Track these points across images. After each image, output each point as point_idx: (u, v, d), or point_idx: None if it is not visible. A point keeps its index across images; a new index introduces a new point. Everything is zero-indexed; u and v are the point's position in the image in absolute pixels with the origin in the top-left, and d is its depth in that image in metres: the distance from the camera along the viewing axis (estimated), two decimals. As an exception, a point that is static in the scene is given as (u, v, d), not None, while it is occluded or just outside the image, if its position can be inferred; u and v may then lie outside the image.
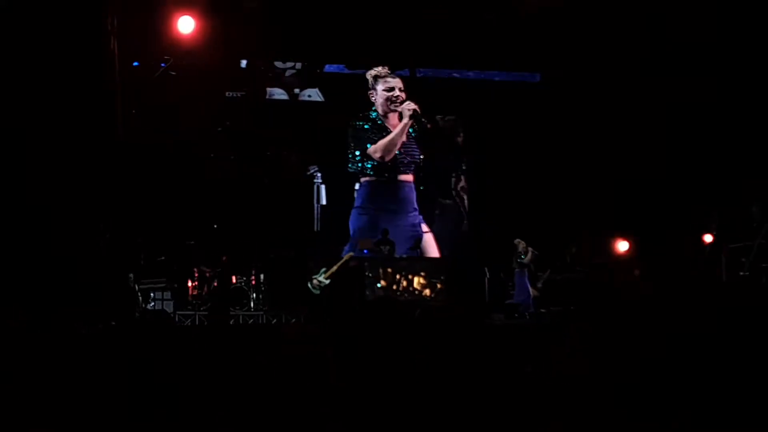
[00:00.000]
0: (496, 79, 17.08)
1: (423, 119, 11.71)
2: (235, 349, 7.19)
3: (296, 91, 16.83)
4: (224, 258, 13.47)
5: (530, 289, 14.05)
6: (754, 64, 14.66)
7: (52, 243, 11.22)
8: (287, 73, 16.72)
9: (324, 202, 14.49)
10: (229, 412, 5.75)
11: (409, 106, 11.80)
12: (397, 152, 12.03)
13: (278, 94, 16.79)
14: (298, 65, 16.69)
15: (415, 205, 12.33)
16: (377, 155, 11.64)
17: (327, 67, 16.70)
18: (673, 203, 14.97)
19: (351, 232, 12.40)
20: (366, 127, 12.35)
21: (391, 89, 12.38)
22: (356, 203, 12.41)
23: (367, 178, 12.14)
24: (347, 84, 15.95)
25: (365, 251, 12.91)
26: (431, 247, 12.60)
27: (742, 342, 5.58)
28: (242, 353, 7.05)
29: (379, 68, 12.37)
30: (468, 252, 13.76)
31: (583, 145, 15.98)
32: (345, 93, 15.48)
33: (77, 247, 11.36)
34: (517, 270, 14.10)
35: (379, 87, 12.16)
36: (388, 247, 13.06)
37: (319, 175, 14.48)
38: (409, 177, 12.10)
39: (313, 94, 16.83)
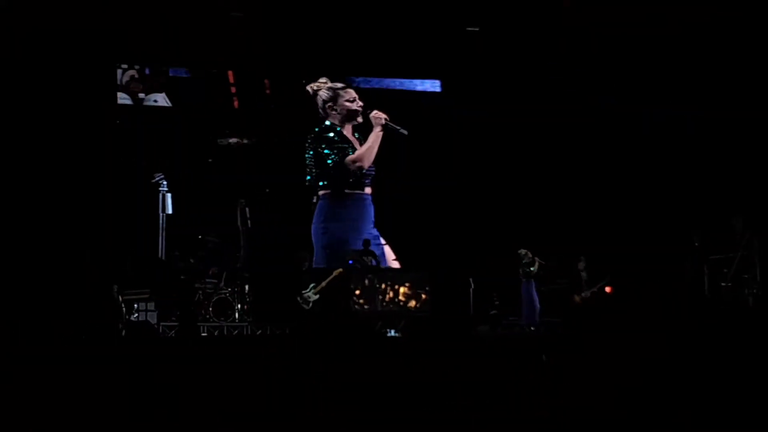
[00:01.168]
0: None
1: (397, 126, 11.71)
2: (219, 360, 7.17)
3: (140, 95, 15.79)
4: (212, 271, 13.41)
5: (536, 301, 14.03)
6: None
7: (39, 255, 11.17)
8: (124, 77, 15.62)
9: (170, 211, 13.92)
10: (213, 421, 5.74)
11: (378, 115, 11.78)
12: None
13: (121, 98, 15.61)
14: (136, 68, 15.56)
15: (373, 218, 12.32)
16: (357, 164, 11.60)
17: (171, 71, 15.71)
18: (657, 216, 15.02)
19: (315, 246, 12.37)
20: (336, 138, 12.32)
21: (354, 99, 12.38)
22: (318, 217, 12.34)
23: (327, 191, 12.10)
24: (195, 89, 15.43)
25: (350, 262, 12.89)
26: (391, 259, 12.60)
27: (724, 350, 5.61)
28: (225, 363, 7.02)
29: (324, 80, 12.35)
30: (453, 263, 13.79)
31: (568, 158, 16.01)
32: (193, 98, 15.24)
33: (62, 259, 11.31)
34: (523, 280, 14.10)
35: (341, 99, 12.14)
36: (372, 258, 13.05)
37: (164, 183, 13.93)
38: (367, 189, 12.09)
39: (160, 99, 15.82)
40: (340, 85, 12.15)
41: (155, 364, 5.84)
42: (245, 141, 14.50)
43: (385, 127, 11.65)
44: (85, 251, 11.51)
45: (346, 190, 12.00)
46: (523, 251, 14.17)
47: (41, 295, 10.45)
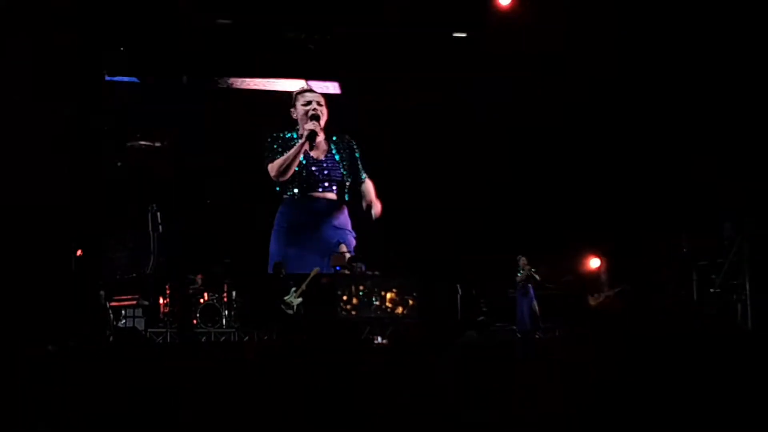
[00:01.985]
0: None
1: (314, 142, 11.61)
2: (208, 365, 7.16)
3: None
4: (199, 276, 13.34)
5: (526, 307, 14.00)
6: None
7: (25, 263, 11.05)
8: None
9: None
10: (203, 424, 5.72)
11: (308, 126, 11.68)
12: (313, 169, 11.91)
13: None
14: None
15: (339, 223, 12.25)
16: (272, 174, 11.47)
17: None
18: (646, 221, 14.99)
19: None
20: (274, 147, 12.24)
21: (308, 103, 12.28)
22: (275, 223, 12.29)
23: (286, 196, 12.06)
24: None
25: (338, 268, 12.86)
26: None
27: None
28: (214, 369, 7.01)
29: (303, 84, 12.30)
30: (440, 268, 13.76)
31: (552, 164, 15.98)
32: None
33: (49, 266, 11.20)
34: (519, 287, 14.09)
35: (298, 103, 12.06)
36: (360, 264, 13.02)
37: None
38: (329, 195, 11.99)
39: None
40: (303, 88, 12.12)
41: (143, 369, 5.83)
42: (156, 144, 14.25)
43: (308, 137, 11.55)
44: (71, 258, 11.41)
45: (297, 195, 11.97)
46: (518, 257, 14.16)
47: (28, 300, 10.36)
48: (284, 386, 5.73)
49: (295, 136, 11.76)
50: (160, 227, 12.84)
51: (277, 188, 11.78)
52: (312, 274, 11.95)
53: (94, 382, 5.90)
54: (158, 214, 12.85)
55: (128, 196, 13.73)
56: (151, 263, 12.94)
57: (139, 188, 13.84)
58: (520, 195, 15.94)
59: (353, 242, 12.43)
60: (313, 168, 11.78)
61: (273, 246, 11.94)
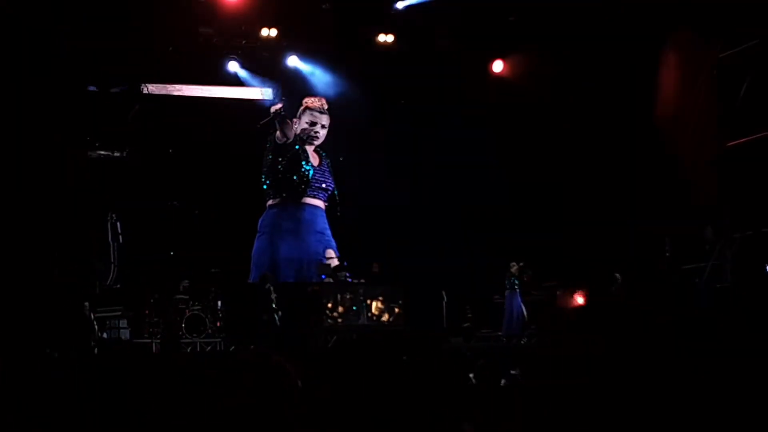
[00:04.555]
0: None
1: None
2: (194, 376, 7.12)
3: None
4: (182, 286, 13.32)
5: (516, 312, 14.01)
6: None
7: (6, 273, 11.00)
8: None
9: None
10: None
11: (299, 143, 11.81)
12: (311, 175, 11.99)
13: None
14: None
15: (323, 228, 12.25)
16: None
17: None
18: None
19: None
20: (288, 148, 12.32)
21: (313, 124, 12.39)
22: (258, 228, 12.27)
23: (272, 201, 12.07)
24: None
25: (323, 276, 12.86)
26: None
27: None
28: (200, 380, 6.97)
29: (314, 99, 12.41)
30: (426, 276, 13.79)
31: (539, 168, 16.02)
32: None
33: (31, 276, 11.15)
34: (507, 292, 14.11)
35: (304, 117, 12.14)
36: (345, 273, 13.02)
37: None
38: (317, 202, 12.01)
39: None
40: (314, 104, 12.15)
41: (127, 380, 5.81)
42: (116, 154, 14.17)
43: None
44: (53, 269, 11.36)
45: (286, 199, 11.98)
46: (512, 264, 14.18)
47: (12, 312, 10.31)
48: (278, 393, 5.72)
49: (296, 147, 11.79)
50: (120, 237, 12.79)
51: (265, 186, 11.74)
52: (273, 300, 11.84)
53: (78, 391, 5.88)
54: (117, 223, 12.81)
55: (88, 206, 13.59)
56: (111, 273, 12.87)
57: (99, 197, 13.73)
58: (507, 200, 15.97)
59: (335, 248, 12.47)
60: (312, 174, 11.91)
61: (258, 251, 11.92)
